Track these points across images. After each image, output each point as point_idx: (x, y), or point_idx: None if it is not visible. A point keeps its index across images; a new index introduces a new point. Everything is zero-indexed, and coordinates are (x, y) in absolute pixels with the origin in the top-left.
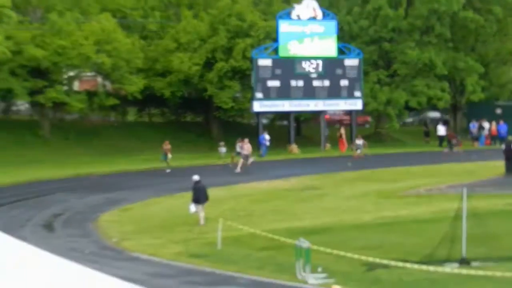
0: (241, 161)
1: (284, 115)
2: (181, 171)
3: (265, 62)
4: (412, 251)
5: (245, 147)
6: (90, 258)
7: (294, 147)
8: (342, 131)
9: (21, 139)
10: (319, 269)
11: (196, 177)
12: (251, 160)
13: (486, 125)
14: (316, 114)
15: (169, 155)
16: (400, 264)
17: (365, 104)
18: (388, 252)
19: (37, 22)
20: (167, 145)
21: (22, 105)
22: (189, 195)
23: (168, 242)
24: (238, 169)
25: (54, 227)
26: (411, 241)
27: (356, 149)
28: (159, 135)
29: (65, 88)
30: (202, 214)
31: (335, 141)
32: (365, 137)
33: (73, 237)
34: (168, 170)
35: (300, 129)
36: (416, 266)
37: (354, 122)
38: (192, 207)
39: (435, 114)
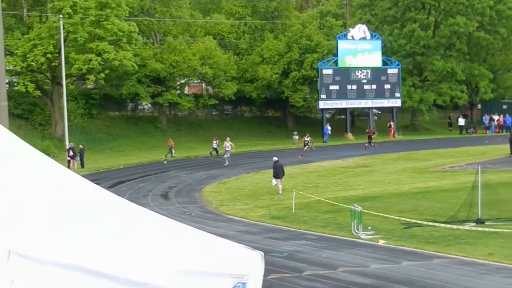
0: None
1: (342, 110)
2: (263, 154)
3: (327, 71)
4: (440, 213)
5: (227, 144)
6: (196, 219)
7: (350, 135)
8: (392, 122)
9: (144, 130)
10: (369, 228)
11: (275, 158)
12: (228, 155)
13: (495, 117)
14: (366, 110)
15: (173, 150)
16: (431, 223)
17: (403, 102)
18: (421, 214)
19: (157, 43)
20: (170, 142)
21: (145, 105)
22: (270, 172)
23: (254, 207)
24: (227, 162)
25: (169, 196)
26: (439, 206)
27: (305, 145)
28: (247, 127)
29: (178, 92)
30: (280, 186)
31: (380, 130)
32: (403, 128)
33: (183, 204)
34: (165, 162)
35: (354, 121)
36: (442, 225)
37: (395, 116)
38: (273, 181)
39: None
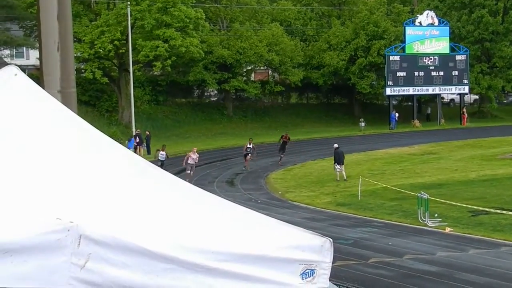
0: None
1: (409, 97)
2: (330, 140)
3: (395, 58)
4: (508, 201)
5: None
6: (262, 206)
7: (416, 122)
8: (465, 109)
9: (210, 117)
10: (436, 215)
11: (335, 145)
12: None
13: None
14: (434, 97)
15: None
16: (498, 211)
17: (470, 89)
18: (489, 202)
19: (224, 30)
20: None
21: (212, 91)
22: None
23: (320, 194)
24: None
25: (234, 183)
26: (507, 193)
27: (246, 154)
28: (313, 114)
29: (244, 78)
30: (344, 172)
31: (448, 117)
32: (471, 114)
33: (249, 191)
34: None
35: (421, 108)
36: (510, 212)
37: (463, 102)
38: (337, 167)
39: None
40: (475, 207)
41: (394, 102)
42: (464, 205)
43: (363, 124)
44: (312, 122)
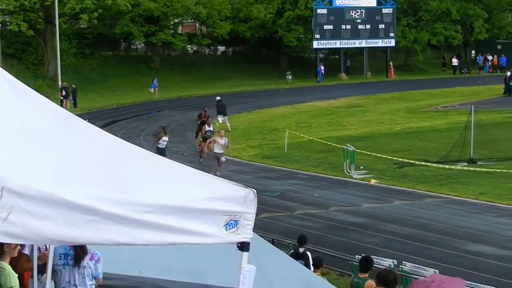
0: None
1: (336, 50)
2: (257, 93)
3: (322, 11)
4: (432, 153)
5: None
6: (188, 158)
7: (343, 75)
8: (391, 63)
9: (137, 70)
10: (361, 167)
11: (218, 98)
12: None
13: (489, 57)
14: (361, 50)
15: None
16: (423, 163)
17: (397, 42)
18: (414, 154)
19: None
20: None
21: (139, 44)
22: (263, 111)
23: (247, 147)
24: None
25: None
26: (431, 146)
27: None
28: (241, 67)
29: (171, 31)
30: (227, 124)
31: (373, 70)
32: (397, 68)
33: (176, 143)
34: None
35: (348, 61)
36: (435, 164)
37: (390, 57)
38: (220, 118)
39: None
40: (400, 159)
41: (321, 56)
42: (390, 157)
43: (290, 77)
44: (239, 75)
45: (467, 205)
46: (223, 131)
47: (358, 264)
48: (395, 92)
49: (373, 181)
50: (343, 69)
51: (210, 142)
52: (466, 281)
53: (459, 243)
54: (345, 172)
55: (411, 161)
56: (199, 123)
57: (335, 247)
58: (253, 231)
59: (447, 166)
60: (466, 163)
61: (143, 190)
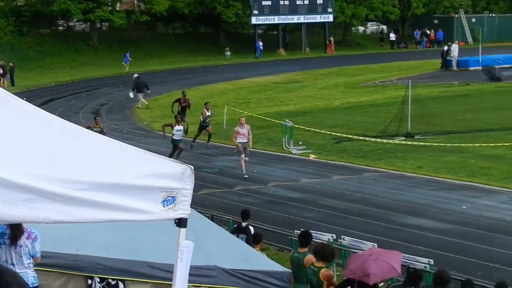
0: None
1: (274, 26)
2: (196, 71)
3: None
4: (370, 128)
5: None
6: (127, 136)
7: (281, 51)
8: (332, 38)
9: (76, 47)
10: (300, 143)
11: (136, 75)
12: None
13: (427, 32)
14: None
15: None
16: (361, 137)
17: (335, 18)
18: (352, 129)
19: None
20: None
21: (77, 21)
22: (202, 88)
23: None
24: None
25: (100, 113)
26: (369, 120)
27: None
28: (180, 44)
29: (110, 8)
30: (143, 100)
31: (312, 46)
32: (335, 43)
33: (114, 121)
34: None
35: (287, 37)
36: (373, 139)
37: (328, 33)
38: (131, 94)
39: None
40: (339, 134)
41: (259, 32)
42: (328, 133)
43: (228, 53)
44: (177, 52)
45: (405, 179)
46: (243, 118)
47: (297, 239)
48: (333, 68)
49: (311, 156)
50: (282, 45)
51: (233, 133)
52: (404, 254)
53: (397, 216)
54: (284, 147)
55: (350, 136)
56: (179, 109)
57: (274, 222)
58: (192, 207)
59: (385, 141)
60: (404, 138)
61: (79, 167)
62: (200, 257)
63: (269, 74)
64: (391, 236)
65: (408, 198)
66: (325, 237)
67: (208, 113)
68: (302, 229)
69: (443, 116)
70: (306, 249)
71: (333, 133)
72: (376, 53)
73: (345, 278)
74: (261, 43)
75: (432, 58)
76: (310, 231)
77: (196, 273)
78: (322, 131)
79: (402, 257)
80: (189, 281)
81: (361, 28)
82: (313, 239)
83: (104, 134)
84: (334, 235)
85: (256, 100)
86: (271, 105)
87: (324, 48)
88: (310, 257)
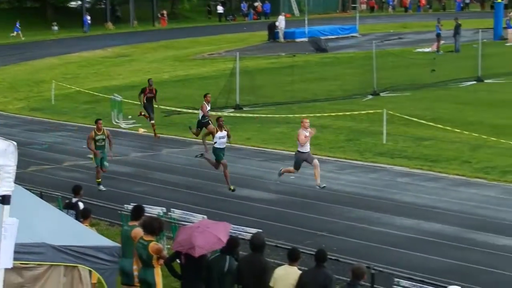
0: None
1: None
2: (24, 46)
3: None
4: (199, 101)
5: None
6: None
7: (109, 25)
8: (165, 11)
9: None
10: (129, 117)
11: None
12: None
13: (254, 5)
14: None
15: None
16: (190, 110)
17: None
18: (181, 102)
19: None
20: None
21: None
22: (31, 63)
23: (13, 100)
24: None
25: None
26: (199, 93)
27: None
28: (5, 19)
29: None
30: None
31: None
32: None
33: None
34: None
35: (117, 11)
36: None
37: (156, 6)
38: None
39: None
40: (168, 108)
41: (87, 5)
42: (157, 106)
43: (56, 28)
44: (3, 26)
45: (235, 150)
46: (307, 121)
47: (129, 213)
48: (162, 41)
49: (141, 130)
50: (110, 19)
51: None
52: (233, 225)
53: (226, 188)
54: (113, 122)
55: (179, 109)
56: (145, 101)
57: (105, 197)
58: (20, 184)
59: (214, 113)
60: (232, 109)
61: None
62: (27, 234)
63: (98, 49)
64: (220, 207)
65: (238, 170)
66: (155, 210)
67: (209, 107)
68: (133, 203)
69: (271, 88)
70: (136, 223)
71: (162, 107)
72: (204, 26)
73: (174, 250)
74: (89, 17)
75: (260, 30)
76: (142, 205)
77: (23, 251)
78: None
79: (231, 228)
80: (16, 259)
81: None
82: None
83: (110, 142)
84: (164, 209)
85: (84, 75)
86: (100, 79)
87: (152, 21)
88: (137, 231)
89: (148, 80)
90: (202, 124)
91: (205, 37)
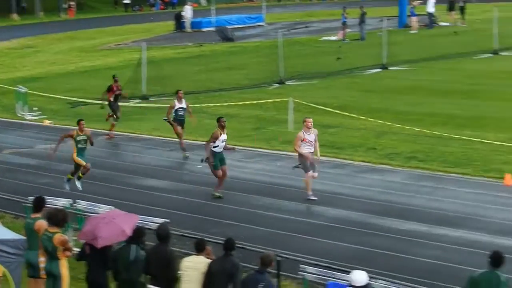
0: None
1: None
2: None
3: None
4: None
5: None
6: None
7: (14, 16)
8: (72, 2)
9: None
10: (35, 108)
11: None
12: None
13: None
14: None
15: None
16: (96, 101)
17: None
18: (88, 93)
19: None
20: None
21: None
22: None
23: None
24: None
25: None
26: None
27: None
28: None
29: None
30: None
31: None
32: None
33: None
34: None
35: (20, 2)
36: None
37: None
38: None
39: None
40: (74, 99)
41: None
42: (63, 97)
43: None
44: None
45: (143, 141)
46: (311, 120)
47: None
48: (68, 32)
49: (46, 122)
50: (15, 9)
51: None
52: (140, 216)
53: (134, 179)
54: (18, 114)
55: (85, 100)
56: (112, 99)
57: (10, 190)
58: None
59: (121, 104)
60: (140, 100)
61: None
62: None
63: (2, 40)
64: (127, 198)
65: (145, 160)
66: (61, 202)
67: (180, 104)
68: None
69: (178, 78)
70: (39, 215)
71: (69, 98)
72: (111, 16)
73: (80, 241)
74: None
75: (166, 20)
76: (45, 197)
77: None
78: (57, 96)
79: (138, 219)
80: None
81: None
82: (49, 205)
83: (91, 143)
84: (70, 200)
85: None
86: (5, 71)
87: (58, 11)
88: (41, 223)
89: (113, 77)
90: (179, 121)
91: (112, 28)
